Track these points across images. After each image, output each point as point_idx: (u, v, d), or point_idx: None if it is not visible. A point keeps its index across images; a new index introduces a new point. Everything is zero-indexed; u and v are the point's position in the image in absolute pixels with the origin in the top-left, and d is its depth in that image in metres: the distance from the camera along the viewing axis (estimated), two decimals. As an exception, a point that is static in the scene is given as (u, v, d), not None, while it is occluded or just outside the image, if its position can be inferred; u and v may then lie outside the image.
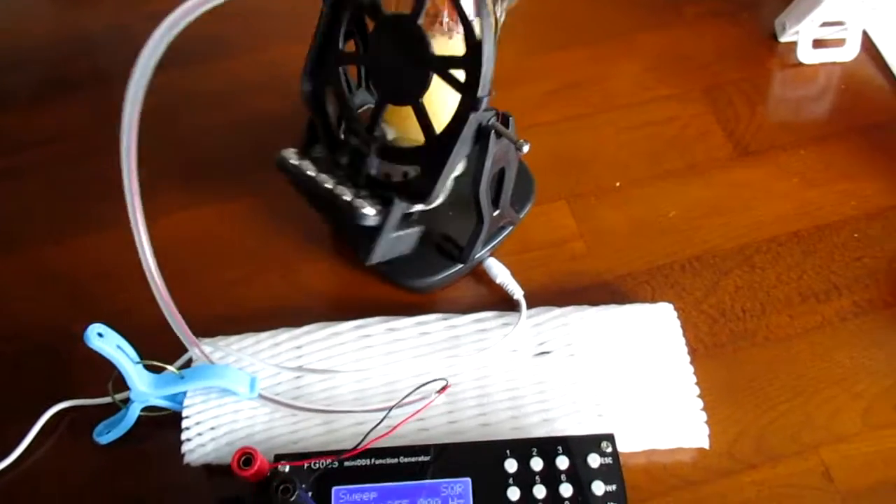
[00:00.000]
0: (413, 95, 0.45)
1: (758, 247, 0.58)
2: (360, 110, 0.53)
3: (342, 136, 0.50)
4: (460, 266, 0.54)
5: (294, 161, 0.51)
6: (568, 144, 0.63)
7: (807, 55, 0.67)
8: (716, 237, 0.58)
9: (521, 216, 0.56)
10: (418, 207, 0.48)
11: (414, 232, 0.50)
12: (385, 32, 0.45)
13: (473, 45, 0.42)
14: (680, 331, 0.53)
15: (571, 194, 0.61)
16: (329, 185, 0.48)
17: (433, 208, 0.51)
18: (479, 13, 0.41)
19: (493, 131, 0.43)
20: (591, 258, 0.58)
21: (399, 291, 0.56)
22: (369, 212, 0.47)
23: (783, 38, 0.68)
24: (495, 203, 0.50)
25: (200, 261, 0.58)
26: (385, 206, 0.47)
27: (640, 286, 0.56)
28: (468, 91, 0.42)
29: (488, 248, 0.55)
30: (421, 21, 0.43)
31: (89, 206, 0.61)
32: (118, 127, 0.42)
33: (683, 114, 0.65)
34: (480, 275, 0.56)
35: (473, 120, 0.42)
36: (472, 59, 0.42)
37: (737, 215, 0.59)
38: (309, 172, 0.49)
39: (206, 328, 0.52)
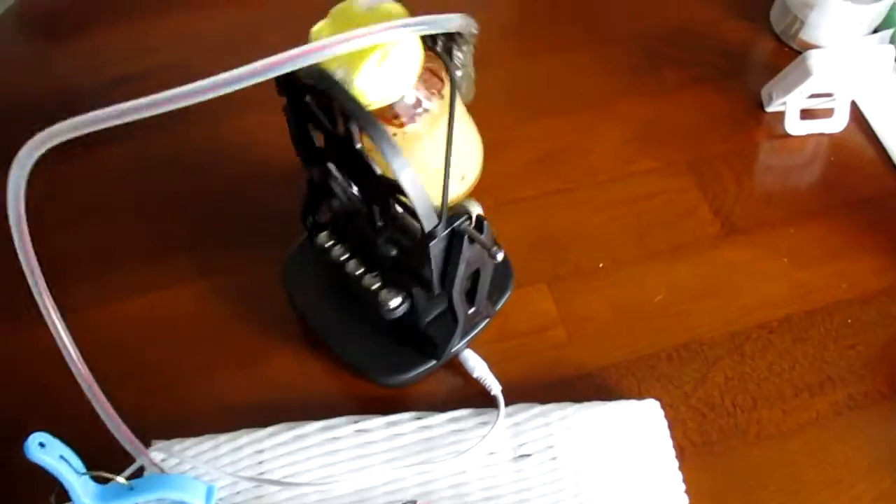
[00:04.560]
0: (384, 209, 0.42)
1: (748, 334, 0.55)
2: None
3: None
4: (434, 362, 0.50)
5: (328, 243, 0.49)
6: (548, 222, 0.61)
7: (794, 126, 0.65)
8: (704, 323, 0.56)
9: (499, 307, 0.53)
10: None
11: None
12: (334, 148, 0.43)
13: (402, 186, 0.37)
14: (667, 429, 0.50)
15: (552, 276, 0.58)
16: (358, 272, 0.47)
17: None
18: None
19: (466, 236, 0.40)
20: (572, 347, 0.55)
21: (369, 385, 0.53)
22: (394, 302, 0.46)
23: (770, 108, 0.66)
24: (470, 301, 0.47)
25: (156, 349, 0.55)
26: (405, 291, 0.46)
27: (624, 378, 0.53)
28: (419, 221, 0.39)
29: (465, 340, 0.51)
30: (359, 146, 0.39)
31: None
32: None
33: (668, 188, 0.63)
34: (456, 366, 0.53)
35: (439, 241, 0.39)
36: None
37: (725, 299, 0.57)
38: (341, 257, 0.48)
39: (161, 427, 0.49)
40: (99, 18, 0.75)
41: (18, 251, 0.38)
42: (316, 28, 0.42)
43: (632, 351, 0.54)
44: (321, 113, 0.41)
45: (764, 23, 0.73)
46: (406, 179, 0.36)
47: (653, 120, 0.67)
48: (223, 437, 0.49)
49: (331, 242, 0.48)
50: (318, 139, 0.44)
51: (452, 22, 0.37)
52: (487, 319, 0.52)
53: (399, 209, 0.41)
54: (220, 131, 0.65)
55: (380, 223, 0.44)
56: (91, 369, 0.43)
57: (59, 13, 0.76)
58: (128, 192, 0.63)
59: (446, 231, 0.39)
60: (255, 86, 0.51)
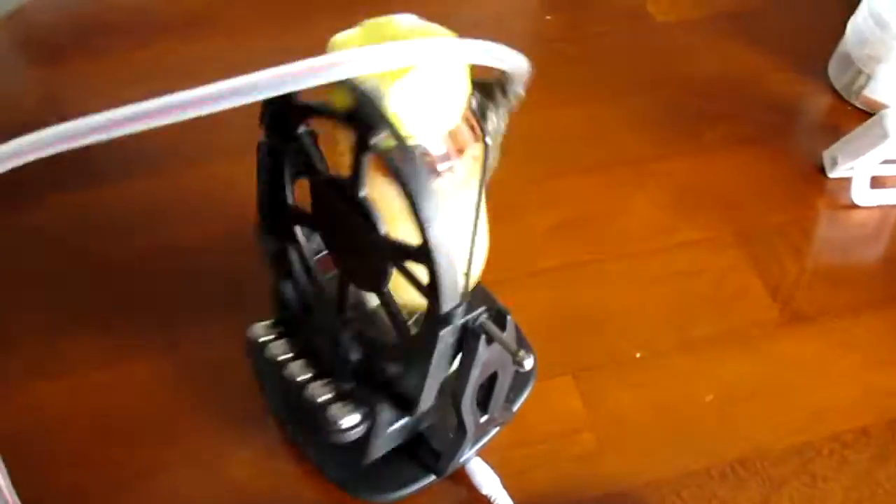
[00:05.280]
0: (375, 283, 0.32)
1: (818, 448, 0.45)
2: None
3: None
4: (434, 478, 0.40)
5: (265, 338, 0.39)
6: (575, 299, 0.51)
7: (863, 196, 0.56)
8: (764, 432, 0.46)
9: (516, 409, 0.43)
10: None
11: None
12: (327, 199, 0.33)
13: (428, 241, 0.28)
14: (724, 574, 0.39)
15: (579, 367, 0.48)
16: (301, 377, 0.36)
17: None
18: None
19: (483, 335, 0.30)
20: (604, 457, 0.45)
21: (354, 499, 0.42)
22: (349, 421, 0.35)
23: (833, 174, 0.57)
24: (483, 407, 0.37)
25: (93, 444, 0.45)
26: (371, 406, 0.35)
27: (667, 500, 0.43)
28: (432, 298, 0.29)
29: (473, 449, 0.41)
30: (364, 193, 0.30)
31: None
32: None
33: (716, 264, 0.53)
34: (461, 478, 0.43)
35: (447, 333, 0.30)
36: (429, 256, 0.29)
37: (789, 402, 0.47)
38: (279, 357, 0.38)
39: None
40: (86, 45, 0.66)
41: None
42: (341, 38, 0.32)
43: (677, 465, 0.44)
44: (316, 150, 0.32)
45: (821, 76, 0.65)
46: (435, 235, 0.27)
47: (694, 182, 0.58)
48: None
49: (270, 336, 0.39)
50: (293, 193, 0.35)
51: (515, 61, 0.28)
52: (503, 425, 0.42)
53: (376, 301, 0.32)
54: (182, 182, 0.56)
55: (348, 315, 0.35)
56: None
57: (48, 36, 0.68)
58: (62, 254, 0.53)
59: (460, 322, 0.29)
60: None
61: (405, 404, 0.33)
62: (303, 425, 0.41)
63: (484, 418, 0.37)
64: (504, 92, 0.31)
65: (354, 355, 0.35)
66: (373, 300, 0.34)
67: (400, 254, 0.30)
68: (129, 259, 0.52)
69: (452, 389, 0.33)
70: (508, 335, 0.30)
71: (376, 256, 0.31)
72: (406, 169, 0.27)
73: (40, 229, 0.54)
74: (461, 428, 0.36)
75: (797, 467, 0.44)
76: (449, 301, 0.28)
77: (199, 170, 0.57)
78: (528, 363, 0.29)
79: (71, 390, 0.46)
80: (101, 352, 0.48)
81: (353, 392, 0.35)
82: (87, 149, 0.26)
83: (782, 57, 0.66)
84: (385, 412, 0.34)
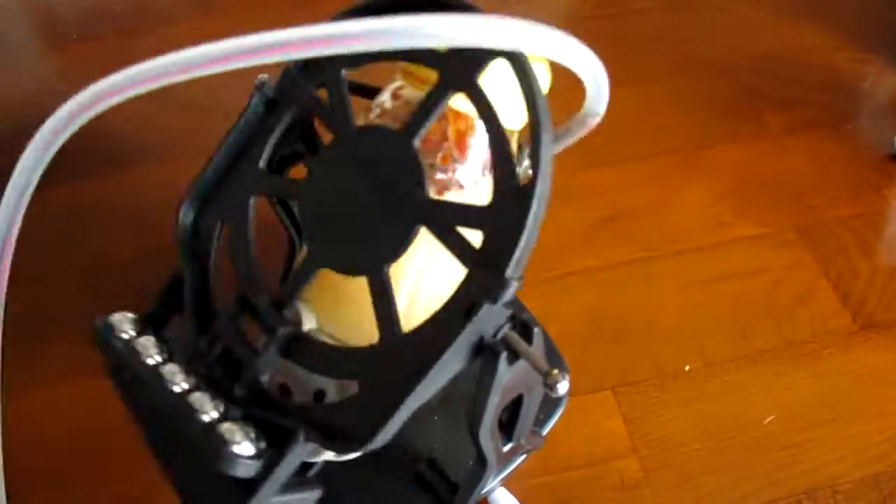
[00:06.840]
0: (376, 261, 0.26)
1: (900, 479, 0.39)
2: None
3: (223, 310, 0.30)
4: (451, 513, 0.35)
5: (126, 334, 0.30)
6: (616, 304, 0.45)
7: (944, 187, 0.49)
8: (835, 460, 0.40)
9: (546, 432, 0.37)
10: (327, 456, 0.27)
11: (308, 498, 0.27)
12: (348, 154, 0.28)
13: (514, 191, 0.25)
14: None
15: (620, 381, 0.42)
16: (178, 388, 0.27)
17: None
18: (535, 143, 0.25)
19: (505, 352, 0.24)
20: (650, 489, 0.39)
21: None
22: (244, 450, 0.25)
23: (908, 162, 0.51)
24: (507, 432, 0.31)
25: (72, 464, 0.40)
26: (272, 443, 0.26)
27: (725, 539, 0.37)
28: (485, 266, 0.24)
29: (497, 479, 0.36)
30: (417, 143, 0.27)
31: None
32: None
33: (776, 263, 0.47)
34: (483, 509, 0.37)
35: (479, 322, 0.24)
36: (502, 213, 0.25)
37: (864, 425, 0.41)
38: (147, 359, 0.28)
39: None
40: (91, 29, 0.63)
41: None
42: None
43: (733, 498, 0.39)
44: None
45: (889, 53, 0.59)
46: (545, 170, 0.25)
47: (752, 171, 0.52)
48: None
49: (129, 333, 0.30)
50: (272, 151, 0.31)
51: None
52: (529, 453, 0.36)
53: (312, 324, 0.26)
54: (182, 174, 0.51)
55: (288, 313, 0.28)
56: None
57: (56, 18, 0.65)
58: (58, 252, 0.49)
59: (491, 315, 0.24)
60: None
61: (344, 436, 0.25)
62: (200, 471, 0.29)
63: (508, 446, 0.32)
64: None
65: (265, 374, 0.28)
66: (308, 321, 0.28)
67: (457, 215, 0.26)
68: (116, 259, 0.48)
69: (469, 415, 0.27)
70: (537, 349, 0.25)
71: (408, 218, 0.26)
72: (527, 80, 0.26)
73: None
74: (480, 460, 0.30)
75: (876, 502, 0.38)
76: (517, 266, 0.24)
77: (191, 161, 0.52)
78: (563, 387, 0.24)
79: (50, 403, 0.42)
80: (85, 360, 0.43)
81: (245, 417, 0.27)
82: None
83: (845, 33, 0.60)
84: (300, 445, 0.25)
